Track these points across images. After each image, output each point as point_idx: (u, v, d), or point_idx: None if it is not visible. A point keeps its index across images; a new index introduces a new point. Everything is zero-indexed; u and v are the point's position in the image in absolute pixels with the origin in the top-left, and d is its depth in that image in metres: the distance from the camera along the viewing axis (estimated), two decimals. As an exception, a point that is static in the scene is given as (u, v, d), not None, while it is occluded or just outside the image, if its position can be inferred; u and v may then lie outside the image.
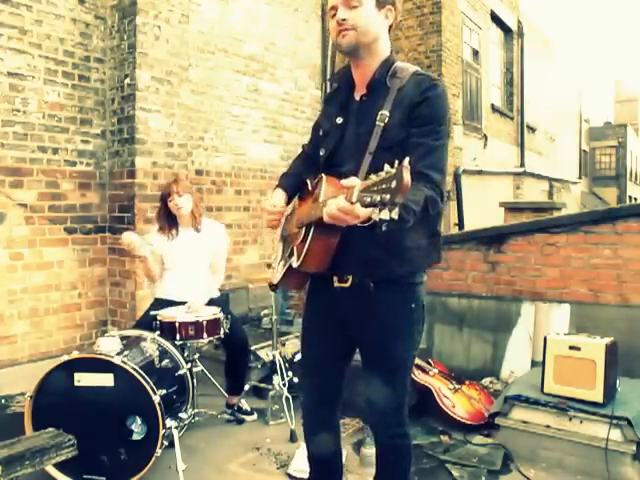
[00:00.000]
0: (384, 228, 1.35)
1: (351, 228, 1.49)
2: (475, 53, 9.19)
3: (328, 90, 6.32)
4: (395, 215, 1.21)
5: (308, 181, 1.84)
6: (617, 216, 3.65)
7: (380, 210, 1.22)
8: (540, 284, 3.90)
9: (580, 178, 17.13)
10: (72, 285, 4.12)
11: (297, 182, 1.92)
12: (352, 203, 1.27)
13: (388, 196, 1.18)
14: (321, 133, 1.85)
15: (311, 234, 1.59)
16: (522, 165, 10.88)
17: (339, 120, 1.76)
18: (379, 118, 1.63)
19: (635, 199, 26.30)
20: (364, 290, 1.70)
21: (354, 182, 1.29)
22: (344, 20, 1.63)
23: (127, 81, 4.13)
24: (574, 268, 3.77)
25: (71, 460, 2.19)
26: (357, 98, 1.77)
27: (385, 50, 1.75)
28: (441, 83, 1.69)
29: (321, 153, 1.80)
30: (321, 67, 6.37)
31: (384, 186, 1.19)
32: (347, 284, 1.73)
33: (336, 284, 1.75)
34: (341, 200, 1.32)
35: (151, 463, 2.45)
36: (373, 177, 1.24)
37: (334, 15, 1.67)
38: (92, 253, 4.24)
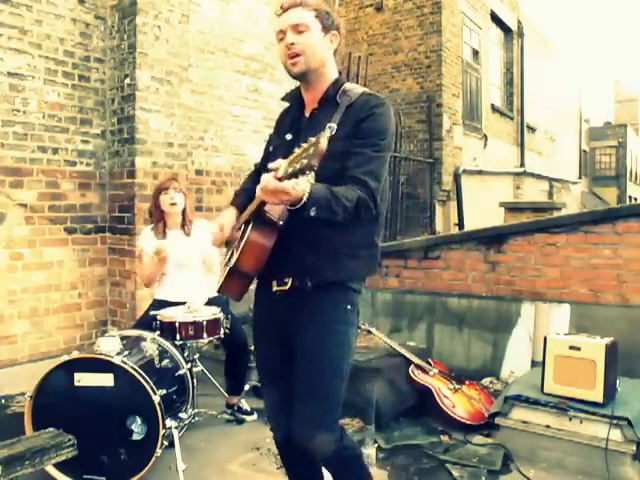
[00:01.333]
0: (312, 214, 1.47)
1: (289, 232, 1.65)
2: (475, 53, 9.19)
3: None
4: (311, 179, 1.36)
5: None
6: (617, 216, 3.65)
7: (301, 176, 1.36)
8: (540, 284, 3.90)
9: (580, 178, 17.14)
10: (72, 285, 4.12)
11: (247, 197, 1.96)
12: (280, 179, 1.39)
13: (306, 161, 1.32)
14: (271, 149, 1.93)
15: (249, 230, 1.66)
16: (522, 165, 10.89)
17: (288, 136, 1.84)
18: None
19: (635, 199, 26.28)
20: (301, 292, 1.73)
21: (280, 162, 1.42)
22: (292, 44, 1.72)
23: (127, 81, 4.13)
24: (574, 268, 3.77)
25: (71, 460, 2.19)
26: (307, 115, 1.85)
27: (333, 72, 1.83)
28: (388, 102, 1.78)
29: (269, 166, 1.86)
30: (321, 67, 6.36)
31: (304, 154, 1.33)
32: (286, 287, 1.75)
33: (275, 288, 1.78)
34: (270, 178, 1.42)
35: (151, 463, 2.45)
36: (296, 150, 1.37)
37: (282, 39, 1.76)
38: (92, 253, 4.24)
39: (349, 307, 1.78)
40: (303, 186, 1.42)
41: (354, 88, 1.80)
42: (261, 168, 1.99)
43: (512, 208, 6.39)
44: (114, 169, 4.26)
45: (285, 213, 1.63)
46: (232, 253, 1.81)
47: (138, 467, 2.45)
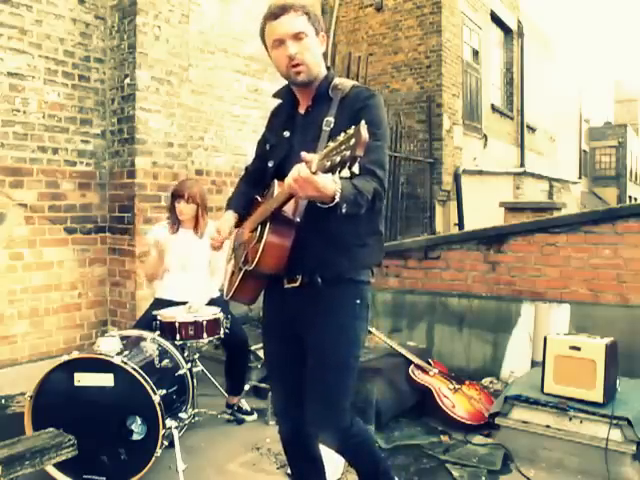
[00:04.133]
0: (344, 210, 1.47)
1: (302, 228, 1.64)
2: (475, 53, 9.19)
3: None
4: (356, 170, 1.31)
5: (258, 197, 1.94)
6: (617, 216, 3.66)
7: (341, 170, 1.32)
8: (540, 284, 3.90)
9: (580, 178, 17.13)
10: (72, 285, 4.12)
11: (246, 201, 1.99)
12: (313, 173, 1.36)
13: (348, 152, 1.27)
14: (268, 147, 1.94)
15: (267, 231, 1.65)
16: (522, 165, 10.88)
17: (286, 133, 1.86)
18: (325, 124, 1.73)
19: (635, 199, 26.29)
20: (312, 288, 1.76)
21: (313, 156, 1.38)
22: (296, 54, 1.73)
23: (127, 81, 4.13)
24: (574, 268, 3.77)
25: (71, 460, 2.18)
26: (302, 112, 1.87)
27: (324, 69, 1.85)
28: (378, 94, 1.83)
29: (269, 165, 1.89)
30: (321, 67, 6.36)
31: (343, 147, 1.29)
32: (296, 283, 1.78)
33: (286, 285, 1.80)
34: (302, 167, 1.39)
35: (151, 463, 2.45)
36: (330, 144, 1.33)
37: (278, 47, 1.75)
38: (92, 253, 4.24)
39: (358, 302, 1.81)
40: (334, 185, 1.40)
41: (344, 82, 1.83)
42: (258, 168, 2.01)
43: (512, 208, 6.39)
44: (114, 169, 4.26)
45: (301, 210, 1.65)
46: (245, 257, 1.78)
47: (138, 467, 2.45)
